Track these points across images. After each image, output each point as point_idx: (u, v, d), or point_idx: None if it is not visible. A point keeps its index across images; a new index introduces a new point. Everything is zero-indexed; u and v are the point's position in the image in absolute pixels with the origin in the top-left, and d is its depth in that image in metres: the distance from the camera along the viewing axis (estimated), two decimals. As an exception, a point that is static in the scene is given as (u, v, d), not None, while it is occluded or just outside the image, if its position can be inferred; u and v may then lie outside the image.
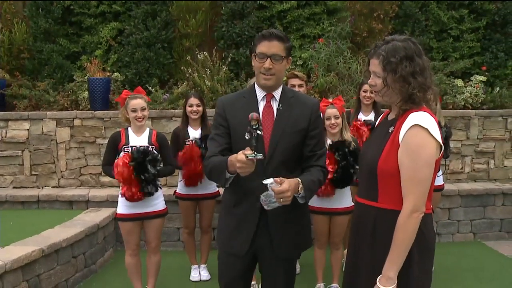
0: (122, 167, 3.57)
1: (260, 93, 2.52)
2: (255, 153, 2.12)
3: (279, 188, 2.18)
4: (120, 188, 3.73)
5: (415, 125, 1.98)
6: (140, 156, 3.63)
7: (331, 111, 3.88)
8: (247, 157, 2.12)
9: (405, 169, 1.98)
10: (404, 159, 1.98)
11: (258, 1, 6.81)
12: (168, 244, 5.51)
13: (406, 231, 1.96)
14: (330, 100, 4.01)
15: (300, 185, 2.31)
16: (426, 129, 1.96)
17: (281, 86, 2.55)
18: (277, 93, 2.51)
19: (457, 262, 5.06)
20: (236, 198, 2.49)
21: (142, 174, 3.61)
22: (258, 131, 2.15)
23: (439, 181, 4.57)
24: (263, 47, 2.39)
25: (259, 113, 2.44)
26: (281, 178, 2.22)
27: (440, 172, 4.56)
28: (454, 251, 5.44)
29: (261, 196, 2.25)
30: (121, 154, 3.77)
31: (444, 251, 5.31)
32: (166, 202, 4.03)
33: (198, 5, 6.65)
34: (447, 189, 5.49)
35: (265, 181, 2.17)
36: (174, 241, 5.56)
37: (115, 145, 3.85)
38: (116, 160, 3.70)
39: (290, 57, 2.55)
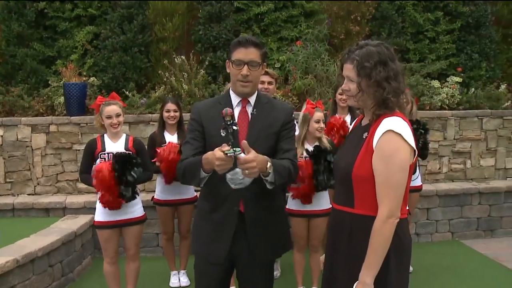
0: (104, 171, 3.52)
1: (235, 99, 2.52)
2: (234, 149, 2.10)
3: (245, 156, 2.13)
4: (98, 195, 3.67)
5: (389, 130, 1.98)
6: (123, 160, 3.59)
7: (320, 115, 3.87)
8: (226, 154, 2.10)
9: (379, 174, 1.98)
10: (378, 165, 1.99)
11: (235, 4, 6.79)
12: (147, 250, 5.45)
13: (382, 237, 1.96)
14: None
15: (269, 163, 2.28)
16: (400, 135, 1.97)
17: (256, 92, 2.57)
18: (252, 99, 2.53)
19: (436, 262, 5.12)
20: (213, 203, 2.47)
21: (125, 177, 3.57)
22: (234, 126, 2.12)
23: (417, 182, 4.61)
24: (240, 54, 2.39)
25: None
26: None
27: (418, 173, 4.60)
28: (433, 250, 5.50)
29: (227, 174, 2.22)
30: (98, 161, 3.72)
31: (423, 251, 5.38)
32: (145, 207, 3.98)
33: (175, 8, 6.59)
34: (425, 190, 5.53)
35: (230, 152, 2.10)
36: (153, 246, 5.50)
37: (91, 152, 3.80)
38: (94, 166, 3.64)
39: (265, 63, 2.55)
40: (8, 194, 5.81)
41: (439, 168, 6.31)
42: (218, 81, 6.41)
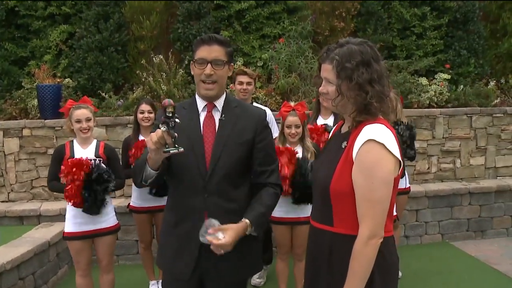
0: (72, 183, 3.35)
1: (201, 103, 2.33)
2: (176, 145, 1.93)
3: (221, 242, 2.01)
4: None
5: (370, 140, 1.78)
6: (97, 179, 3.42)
7: (292, 119, 3.66)
8: (167, 151, 1.94)
9: (360, 189, 1.78)
10: (358, 178, 1.78)
11: (215, 1, 6.59)
12: (126, 257, 5.27)
13: (363, 260, 1.77)
14: (292, 104, 3.80)
15: (249, 228, 2.16)
16: (382, 144, 1.77)
17: (224, 95, 2.36)
18: (219, 103, 2.33)
19: (425, 265, 5.00)
20: (177, 217, 2.30)
21: (90, 195, 3.40)
22: (177, 119, 1.92)
23: (404, 184, 4.45)
24: (203, 52, 2.21)
25: (199, 125, 2.28)
26: (227, 226, 2.07)
27: (405, 175, 4.42)
28: (422, 253, 5.38)
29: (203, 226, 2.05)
30: None
31: (411, 254, 5.27)
32: (123, 213, 3.78)
33: (152, 6, 6.41)
34: (414, 191, 5.41)
35: (171, 150, 1.92)
36: (132, 254, 5.30)
37: (60, 158, 3.60)
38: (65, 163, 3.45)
39: (232, 63, 2.36)
40: (-20, 202, 5.57)
41: (428, 168, 6.17)
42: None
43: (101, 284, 3.78)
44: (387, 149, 1.77)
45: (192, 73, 2.31)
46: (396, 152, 1.79)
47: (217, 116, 2.31)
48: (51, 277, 4.65)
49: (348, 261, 1.79)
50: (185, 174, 2.22)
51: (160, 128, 1.91)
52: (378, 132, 1.78)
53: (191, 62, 2.30)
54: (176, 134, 1.93)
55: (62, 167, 3.44)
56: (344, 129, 1.98)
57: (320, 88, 1.93)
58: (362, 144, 1.78)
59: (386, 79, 1.87)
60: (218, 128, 2.28)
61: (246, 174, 2.32)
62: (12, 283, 4.01)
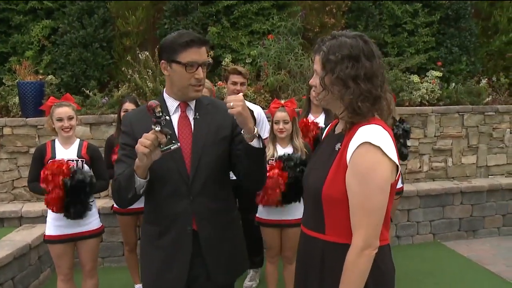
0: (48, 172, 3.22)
1: (172, 104, 2.20)
2: (173, 141, 1.87)
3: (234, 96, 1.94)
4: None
5: (365, 142, 1.64)
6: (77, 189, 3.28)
7: (280, 115, 3.59)
8: (163, 150, 1.87)
9: (354, 196, 1.65)
10: (353, 184, 1.65)
11: (202, -4, 6.47)
12: (112, 259, 5.14)
13: (356, 272, 1.64)
14: (282, 101, 3.72)
15: (255, 129, 2.04)
16: (378, 147, 1.63)
17: None
18: (192, 102, 2.22)
19: (417, 266, 4.94)
20: (160, 227, 2.16)
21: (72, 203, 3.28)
22: (167, 117, 1.90)
23: (398, 184, 4.35)
24: (194, 54, 2.07)
25: (172, 126, 2.14)
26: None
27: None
28: (414, 254, 5.32)
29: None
30: None
31: (403, 255, 5.19)
32: (108, 214, 3.63)
33: (138, 1, 6.28)
34: (405, 190, 5.31)
35: (166, 148, 1.87)
36: (118, 256, 5.17)
37: (41, 159, 3.47)
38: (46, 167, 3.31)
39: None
40: (-40, 203, 5.40)
41: (420, 167, 6.09)
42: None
43: (84, 290, 3.64)
44: (384, 152, 1.64)
45: (165, 73, 2.15)
46: (394, 155, 1.66)
47: (191, 115, 2.20)
48: (32, 281, 4.52)
49: (340, 272, 1.67)
50: (166, 180, 2.09)
51: (153, 129, 1.84)
52: (374, 134, 1.65)
53: (164, 62, 2.12)
54: (170, 131, 1.88)
55: (41, 173, 3.28)
56: (338, 129, 1.85)
57: (310, 80, 1.84)
58: (357, 147, 1.65)
59: (380, 79, 1.72)
60: (194, 128, 2.17)
61: (227, 172, 2.26)
62: (-10, 288, 3.88)
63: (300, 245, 1.94)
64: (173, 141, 1.88)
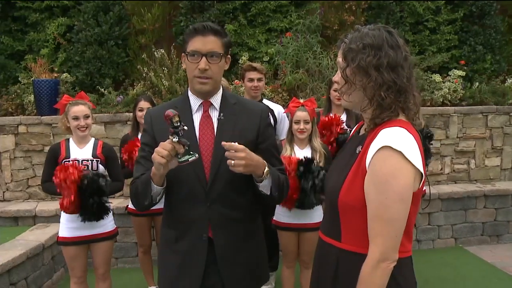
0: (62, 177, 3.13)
1: (195, 101, 2.08)
2: (191, 152, 1.80)
3: (234, 144, 1.84)
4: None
5: (385, 146, 1.51)
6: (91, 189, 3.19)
7: (301, 114, 3.46)
8: (181, 161, 1.79)
9: (372, 204, 1.53)
10: (371, 192, 1.53)
11: (219, -7, 6.42)
12: (126, 260, 5.07)
13: (371, 286, 1.52)
14: (301, 101, 3.59)
15: (266, 168, 1.94)
16: (400, 152, 1.50)
17: (221, 90, 2.11)
18: (216, 100, 2.09)
19: (438, 272, 4.77)
20: (177, 232, 2.07)
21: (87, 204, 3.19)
22: (185, 127, 1.79)
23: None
24: (197, 43, 1.96)
25: (193, 126, 2.03)
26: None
27: None
28: (435, 259, 5.15)
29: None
30: None
31: (424, 260, 5.04)
32: (122, 215, 3.55)
33: (154, -1, 6.27)
34: (426, 193, 5.14)
35: (184, 159, 1.80)
36: (132, 257, 5.11)
37: (55, 158, 3.40)
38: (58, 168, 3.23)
39: (229, 56, 2.11)
40: (-25, 201, 5.42)
41: (441, 169, 5.93)
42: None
43: (97, 292, 3.58)
44: (406, 158, 1.50)
45: (183, 67, 2.06)
46: (417, 161, 1.52)
47: (214, 115, 2.07)
48: (46, 281, 4.48)
49: (354, 282, 1.56)
50: (183, 185, 1.98)
51: (171, 139, 1.77)
52: (396, 138, 1.52)
53: (183, 55, 2.03)
54: (188, 142, 1.80)
55: (54, 177, 3.20)
56: (362, 131, 1.73)
57: (334, 77, 1.73)
58: (376, 151, 1.52)
59: (406, 71, 1.59)
60: (217, 129, 2.04)
61: (250, 179, 2.07)
62: (3, 288, 3.83)
63: (317, 251, 1.84)
64: (191, 152, 1.80)
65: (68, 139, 3.48)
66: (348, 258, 1.62)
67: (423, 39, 6.66)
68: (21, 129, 5.42)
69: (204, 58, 1.95)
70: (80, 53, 6.03)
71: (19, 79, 5.98)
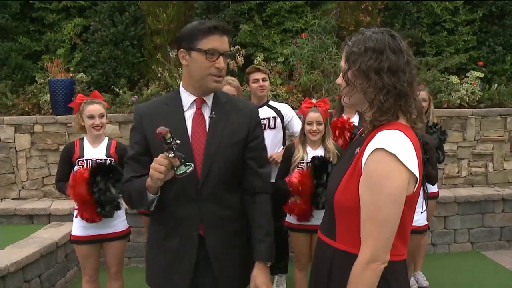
0: (78, 186, 3.16)
1: (187, 98, 2.07)
2: (187, 163, 1.83)
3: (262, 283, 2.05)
4: (75, 207, 3.32)
5: (379, 148, 1.52)
6: (103, 174, 3.21)
7: (314, 115, 3.41)
8: (177, 174, 1.82)
9: (365, 205, 1.55)
10: (364, 193, 1.55)
11: (234, -7, 6.41)
12: (139, 260, 5.07)
13: (360, 286, 1.53)
14: (314, 101, 3.55)
15: (268, 265, 2.10)
16: (393, 155, 1.51)
17: None
18: (209, 98, 2.09)
19: (453, 277, 4.67)
20: (167, 229, 2.09)
21: (101, 194, 3.20)
22: (177, 141, 1.81)
23: (433, 188, 4.17)
24: (215, 42, 1.96)
25: (184, 123, 2.05)
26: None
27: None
28: (451, 263, 5.05)
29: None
30: (75, 168, 3.34)
31: (439, 264, 4.96)
32: (135, 214, 3.56)
33: (169, -1, 6.29)
34: (442, 196, 5.10)
35: (182, 171, 1.84)
36: (144, 256, 5.10)
37: (69, 157, 3.42)
38: (70, 177, 3.26)
39: None
40: (-8, 199, 5.48)
41: (458, 172, 5.82)
42: (216, 77, 5.98)
43: (109, 291, 3.59)
44: (400, 161, 1.51)
45: (183, 63, 2.02)
46: (412, 165, 1.53)
47: (206, 113, 2.07)
48: (59, 279, 4.50)
49: (347, 282, 1.57)
50: (174, 183, 1.96)
51: (166, 155, 1.81)
52: (391, 140, 1.53)
53: (183, 51, 2.00)
54: (183, 155, 1.83)
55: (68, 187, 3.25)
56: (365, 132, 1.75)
57: (337, 79, 1.74)
58: (371, 153, 1.54)
59: (407, 76, 1.60)
60: (209, 128, 2.05)
61: (241, 178, 2.14)
62: (17, 286, 3.85)
63: (315, 250, 1.87)
64: (187, 164, 1.83)
65: (82, 138, 3.49)
66: (341, 257, 1.64)
67: (441, 40, 6.56)
68: (37, 128, 5.47)
69: (221, 57, 1.98)
70: (96, 53, 6.07)
71: (36, 79, 6.04)
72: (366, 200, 1.54)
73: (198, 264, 2.05)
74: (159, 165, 1.80)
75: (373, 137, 1.58)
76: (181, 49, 2.01)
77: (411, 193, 1.56)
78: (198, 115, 2.06)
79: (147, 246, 2.27)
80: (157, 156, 1.86)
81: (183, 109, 2.06)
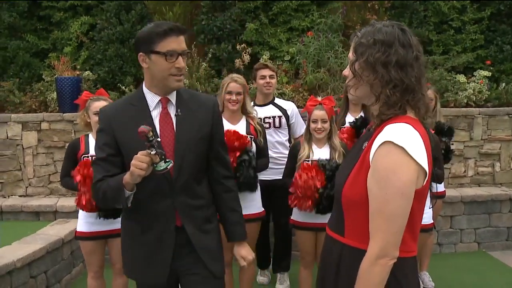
0: (86, 168, 3.16)
1: (152, 99, 2.14)
2: (166, 160, 1.92)
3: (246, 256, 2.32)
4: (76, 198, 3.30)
5: (387, 141, 1.50)
6: None
7: (319, 113, 3.40)
8: (157, 170, 1.90)
9: (373, 199, 1.52)
10: (372, 187, 1.53)
11: (241, -8, 6.41)
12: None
13: (369, 282, 1.51)
14: (319, 99, 3.53)
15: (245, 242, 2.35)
16: (402, 148, 1.48)
17: None
18: (173, 96, 2.17)
19: (459, 277, 4.63)
20: (142, 224, 2.18)
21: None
22: (158, 138, 1.92)
23: (440, 187, 4.15)
24: (173, 43, 2.03)
25: (152, 123, 2.11)
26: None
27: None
28: (456, 263, 5.01)
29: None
30: None
31: (445, 264, 4.92)
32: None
33: (176, -3, 6.28)
34: (449, 195, 5.06)
35: (162, 168, 1.92)
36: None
37: (74, 154, 3.43)
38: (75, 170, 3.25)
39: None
40: (-1, 196, 5.51)
41: (464, 172, 5.78)
42: (222, 75, 6.00)
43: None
44: (408, 154, 1.48)
45: (144, 65, 2.08)
46: (421, 158, 1.50)
47: (172, 111, 2.16)
48: (65, 275, 4.52)
49: (355, 278, 1.55)
50: (148, 180, 2.00)
51: (148, 152, 1.88)
52: (399, 133, 1.50)
53: (142, 54, 2.05)
54: (164, 152, 1.93)
55: (74, 172, 3.23)
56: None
57: (344, 71, 1.72)
58: (379, 146, 1.52)
59: (416, 71, 1.58)
60: (176, 125, 2.14)
61: (205, 168, 2.28)
62: (23, 281, 3.87)
63: (323, 246, 1.85)
64: (167, 160, 1.91)
65: (88, 135, 3.50)
66: (350, 253, 1.62)
67: (448, 38, 6.53)
68: (44, 125, 5.50)
69: (180, 57, 2.04)
70: (102, 51, 6.09)
71: (43, 76, 6.06)
72: (374, 194, 1.52)
73: (175, 251, 2.16)
74: (140, 162, 1.86)
75: (381, 130, 1.56)
76: (140, 53, 2.07)
77: (420, 187, 1.53)
78: (165, 114, 2.14)
79: (122, 241, 2.34)
80: (129, 155, 1.94)
81: (149, 109, 2.13)
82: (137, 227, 2.19)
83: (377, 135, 1.56)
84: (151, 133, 1.86)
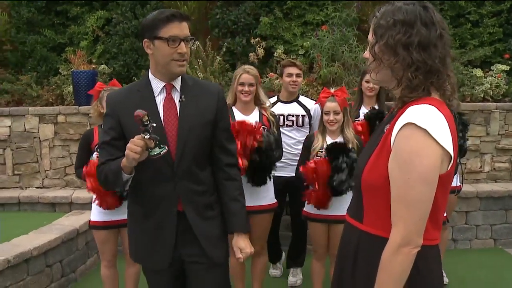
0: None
1: (157, 84, 2.18)
2: (161, 145, 1.95)
3: (244, 248, 2.29)
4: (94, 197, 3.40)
5: (409, 123, 1.42)
6: None
7: (331, 105, 3.38)
8: (152, 155, 1.94)
9: (395, 184, 1.45)
10: (394, 171, 1.45)
11: (255, -14, 6.39)
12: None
13: (392, 271, 1.44)
14: (332, 90, 3.51)
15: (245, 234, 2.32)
16: (425, 130, 1.40)
17: None
18: (177, 83, 2.20)
19: (474, 273, 4.56)
20: (146, 208, 2.23)
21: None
22: (154, 124, 1.93)
23: (456, 181, 4.06)
24: (175, 29, 2.07)
25: (156, 108, 2.16)
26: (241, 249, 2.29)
27: (456, 173, 4.03)
28: (471, 259, 4.95)
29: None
30: (94, 155, 3.40)
31: (460, 260, 4.85)
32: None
33: (191, -10, 6.28)
34: (464, 191, 4.93)
35: (156, 153, 1.95)
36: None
37: (88, 144, 3.48)
38: (86, 166, 3.30)
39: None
40: (17, 187, 5.62)
41: (481, 167, 5.70)
42: (237, 68, 5.96)
43: (126, 277, 3.63)
44: (432, 136, 1.40)
45: (148, 52, 2.13)
46: (445, 141, 1.41)
47: (176, 97, 2.19)
48: (79, 265, 4.59)
49: (373, 266, 1.49)
50: (150, 164, 2.04)
51: (142, 136, 1.91)
52: (422, 115, 1.42)
53: (147, 41, 2.10)
54: (158, 137, 1.95)
55: (86, 169, 3.27)
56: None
57: (364, 53, 1.65)
58: (400, 128, 1.44)
59: (440, 50, 1.48)
60: (180, 111, 2.17)
61: (209, 155, 2.30)
62: (39, 269, 3.95)
63: (342, 231, 1.78)
64: (161, 146, 1.94)
65: (101, 125, 3.51)
66: (368, 240, 1.56)
67: (464, 32, 6.41)
68: (60, 118, 5.57)
69: (183, 43, 2.07)
70: (118, 45, 6.15)
71: (60, 70, 6.14)
72: (395, 179, 1.44)
73: (178, 237, 2.19)
74: (135, 145, 1.89)
75: (403, 112, 1.48)
76: (145, 39, 2.12)
77: (444, 172, 1.45)
78: (169, 100, 2.17)
79: (128, 226, 2.39)
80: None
81: (154, 95, 2.16)
82: (140, 212, 2.24)
83: (399, 117, 1.48)
84: (146, 117, 1.88)
